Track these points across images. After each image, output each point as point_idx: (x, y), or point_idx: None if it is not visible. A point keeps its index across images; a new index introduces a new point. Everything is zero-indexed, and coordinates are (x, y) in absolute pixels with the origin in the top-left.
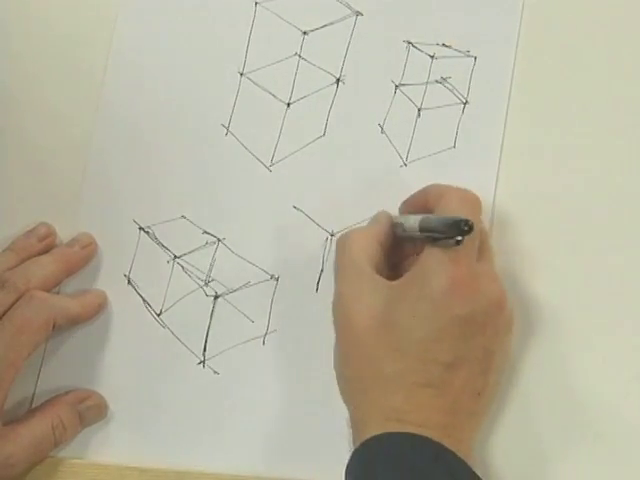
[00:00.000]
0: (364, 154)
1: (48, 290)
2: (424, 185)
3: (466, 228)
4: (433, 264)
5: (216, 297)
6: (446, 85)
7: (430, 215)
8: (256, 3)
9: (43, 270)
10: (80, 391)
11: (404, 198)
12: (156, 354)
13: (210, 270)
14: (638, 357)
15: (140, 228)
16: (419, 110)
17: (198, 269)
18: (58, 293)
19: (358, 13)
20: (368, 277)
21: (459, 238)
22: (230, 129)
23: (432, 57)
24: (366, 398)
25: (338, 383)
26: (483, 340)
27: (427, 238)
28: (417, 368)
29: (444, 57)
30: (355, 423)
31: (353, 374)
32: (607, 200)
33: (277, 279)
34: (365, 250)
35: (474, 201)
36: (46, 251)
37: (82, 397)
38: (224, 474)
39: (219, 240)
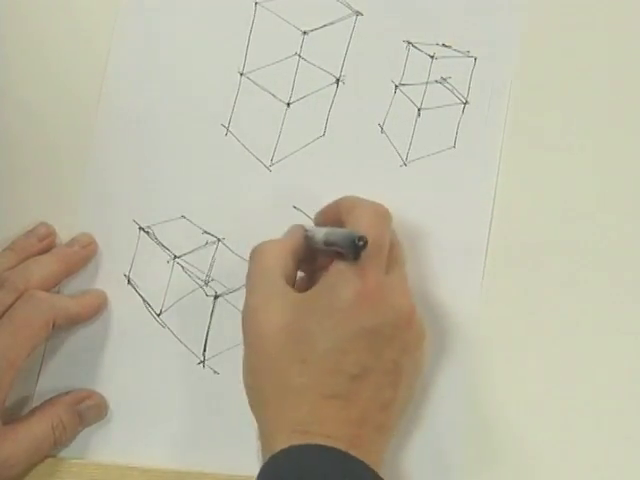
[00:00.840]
0: (364, 154)
1: (48, 290)
2: (424, 185)
3: (360, 243)
4: (340, 277)
5: (216, 297)
6: (446, 85)
7: (334, 229)
8: (256, 3)
9: (43, 270)
10: (80, 391)
11: (404, 198)
12: (156, 354)
13: (210, 270)
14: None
15: (140, 228)
16: (419, 110)
17: (198, 269)
18: (58, 293)
19: (358, 13)
20: (278, 288)
21: (355, 253)
22: (230, 129)
23: (432, 57)
24: (273, 410)
25: (247, 395)
26: (391, 353)
27: (334, 252)
28: (323, 380)
29: (444, 57)
30: (263, 436)
31: (260, 386)
32: (607, 199)
33: None
34: (277, 261)
35: (383, 214)
36: (46, 251)
37: (82, 397)
38: (223, 474)
39: (219, 240)
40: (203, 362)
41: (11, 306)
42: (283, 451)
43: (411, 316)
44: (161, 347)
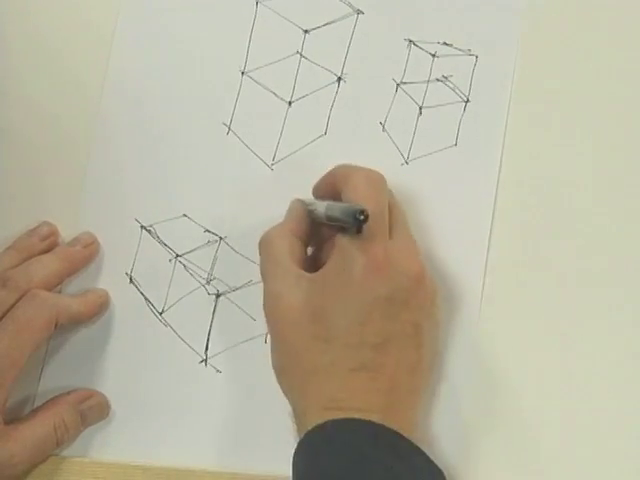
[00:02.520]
0: (365, 152)
1: (50, 289)
2: (425, 184)
3: (361, 217)
4: (346, 253)
5: (218, 295)
6: (447, 83)
7: (333, 203)
8: (257, 2)
9: (45, 269)
10: (82, 391)
11: (405, 196)
12: (158, 353)
13: (212, 269)
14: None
15: (142, 227)
16: (420, 108)
17: (200, 268)
18: (60, 292)
19: (359, 11)
20: (290, 273)
21: (357, 227)
22: (232, 128)
23: (433, 55)
24: (303, 391)
25: (277, 381)
26: (409, 315)
27: (335, 226)
28: (348, 354)
29: (445, 55)
30: (297, 417)
31: (288, 370)
32: (608, 197)
33: None
34: (284, 247)
35: (378, 180)
36: (48, 250)
37: (84, 397)
38: (225, 472)
39: (221, 239)
40: (205, 361)
41: (14, 305)
42: (318, 427)
43: (420, 275)
44: (163, 346)
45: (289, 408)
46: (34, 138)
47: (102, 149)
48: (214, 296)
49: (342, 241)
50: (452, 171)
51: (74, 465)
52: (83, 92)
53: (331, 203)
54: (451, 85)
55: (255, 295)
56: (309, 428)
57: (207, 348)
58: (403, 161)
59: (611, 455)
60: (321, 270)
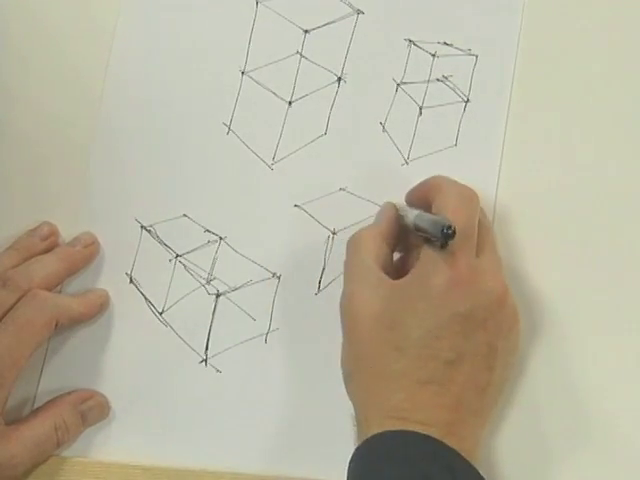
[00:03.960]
0: (366, 152)
1: (50, 289)
2: None
3: (448, 232)
4: (430, 264)
5: (218, 295)
6: (447, 83)
7: (423, 214)
8: (257, 2)
9: (45, 269)
10: (82, 391)
11: None
12: (158, 353)
13: (212, 268)
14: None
15: (142, 227)
16: (420, 108)
17: (200, 267)
18: (60, 292)
19: (359, 11)
20: (374, 277)
21: (443, 241)
22: (232, 128)
23: (433, 55)
24: (369, 397)
25: (344, 381)
26: (485, 336)
27: (422, 236)
28: (418, 366)
29: (445, 55)
30: (359, 421)
31: (356, 372)
32: (608, 197)
33: (279, 277)
34: (372, 250)
35: (470, 197)
36: (48, 250)
37: (84, 397)
38: (225, 472)
39: (221, 238)
40: (205, 361)
41: (14, 306)
42: (377, 436)
43: (503, 297)
44: (163, 346)
45: (289, 408)
46: (34, 138)
47: (102, 149)
48: (214, 296)
49: (427, 252)
50: (452, 171)
51: (74, 465)
52: (83, 92)
53: (421, 213)
54: (451, 85)
55: (255, 295)
56: (368, 435)
57: (207, 348)
58: (403, 161)
59: None
60: (404, 278)
